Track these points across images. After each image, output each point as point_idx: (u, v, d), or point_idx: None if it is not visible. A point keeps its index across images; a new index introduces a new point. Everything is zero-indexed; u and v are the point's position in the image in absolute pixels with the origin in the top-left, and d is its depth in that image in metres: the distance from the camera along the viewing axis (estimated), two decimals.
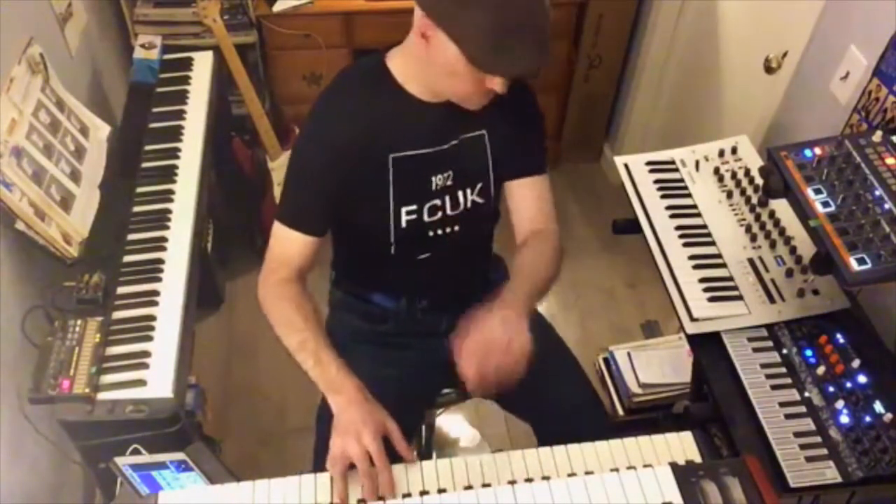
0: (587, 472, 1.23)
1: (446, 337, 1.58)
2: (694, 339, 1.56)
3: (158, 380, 1.61)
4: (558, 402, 1.32)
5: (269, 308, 1.38)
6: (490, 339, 1.21)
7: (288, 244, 1.40)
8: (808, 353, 1.48)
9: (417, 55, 1.28)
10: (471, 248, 1.55)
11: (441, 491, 1.21)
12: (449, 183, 1.42)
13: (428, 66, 1.27)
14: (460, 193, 1.44)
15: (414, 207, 1.41)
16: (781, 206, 1.66)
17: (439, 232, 1.46)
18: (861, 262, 1.29)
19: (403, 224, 1.41)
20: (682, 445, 1.28)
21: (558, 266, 1.45)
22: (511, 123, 1.42)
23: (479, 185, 1.45)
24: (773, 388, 1.43)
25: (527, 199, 1.49)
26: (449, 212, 1.44)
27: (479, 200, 1.46)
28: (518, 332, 1.22)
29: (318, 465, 1.42)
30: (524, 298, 1.31)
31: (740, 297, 1.57)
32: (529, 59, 1.18)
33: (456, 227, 1.47)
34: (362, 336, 1.52)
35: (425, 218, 1.43)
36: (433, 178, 1.40)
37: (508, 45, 1.15)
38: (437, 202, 1.42)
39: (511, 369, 1.20)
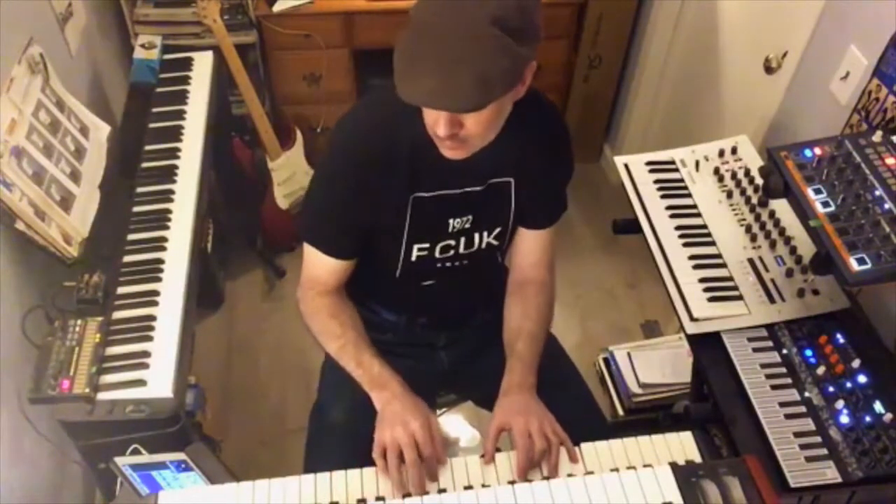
0: (587, 473, 1.23)
1: (444, 350, 1.59)
2: (694, 339, 1.56)
3: (158, 380, 1.61)
4: (558, 412, 1.32)
5: (309, 321, 1.44)
6: (530, 439, 1.26)
7: (319, 266, 1.42)
8: (808, 353, 1.48)
9: None
10: (478, 276, 1.53)
11: (441, 491, 1.21)
12: (467, 226, 1.40)
13: None
14: (476, 235, 1.42)
15: (426, 245, 1.40)
16: (781, 206, 1.66)
17: (447, 265, 1.44)
18: (861, 262, 1.29)
19: (413, 258, 1.41)
20: (682, 445, 1.28)
21: (551, 320, 1.52)
22: (540, 174, 1.39)
23: (497, 230, 1.43)
24: (773, 388, 1.43)
25: (533, 248, 1.48)
26: (462, 251, 1.43)
27: (495, 242, 1.45)
28: (541, 412, 1.31)
29: (310, 465, 1.43)
30: (533, 378, 1.37)
31: (740, 297, 1.57)
32: (429, 94, 1.09)
33: (465, 262, 1.45)
34: None
35: (436, 255, 1.42)
36: (451, 221, 1.38)
37: (411, 70, 1.08)
38: (452, 242, 1.41)
39: (552, 436, 1.28)
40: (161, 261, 1.84)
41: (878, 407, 1.38)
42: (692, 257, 1.66)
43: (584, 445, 1.29)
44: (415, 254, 1.40)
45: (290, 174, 2.74)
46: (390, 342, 1.57)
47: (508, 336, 1.45)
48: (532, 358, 1.39)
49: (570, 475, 1.23)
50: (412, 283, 1.47)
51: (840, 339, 1.49)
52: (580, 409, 1.52)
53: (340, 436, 1.44)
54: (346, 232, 1.39)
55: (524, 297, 1.48)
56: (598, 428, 1.53)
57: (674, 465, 1.20)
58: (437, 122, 1.15)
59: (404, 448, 1.23)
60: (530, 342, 1.41)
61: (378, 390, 1.33)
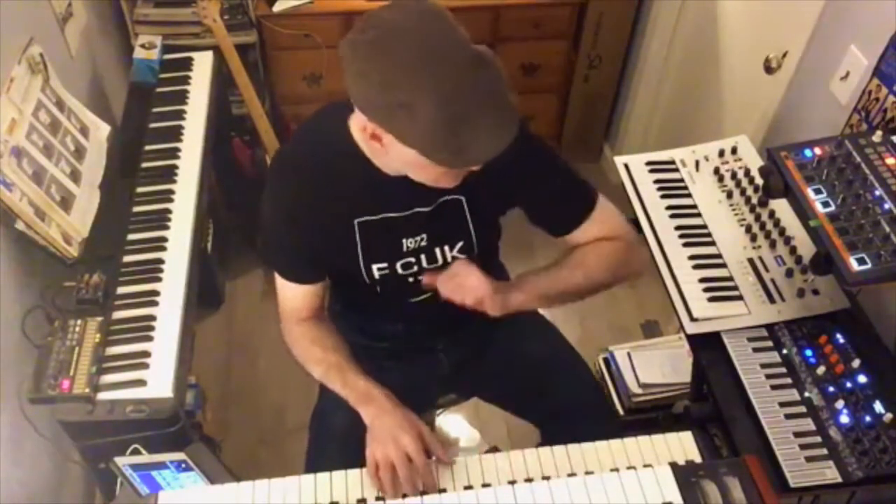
0: (587, 472, 1.24)
1: (444, 352, 1.59)
2: (694, 339, 1.55)
3: (158, 380, 1.61)
4: (565, 402, 1.32)
5: (293, 350, 1.44)
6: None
7: (290, 294, 1.42)
8: (808, 353, 1.48)
9: (373, 150, 1.20)
10: None
11: (441, 491, 1.21)
12: (423, 244, 1.36)
13: (388, 158, 1.18)
14: (437, 250, 1.38)
15: (385, 265, 1.37)
16: (781, 206, 1.66)
17: (420, 278, 1.41)
18: (861, 262, 1.29)
19: (377, 276, 1.39)
20: (682, 445, 1.29)
21: (616, 264, 1.39)
22: (500, 186, 1.29)
23: (459, 244, 1.38)
24: (773, 388, 1.43)
25: (585, 242, 1.42)
26: (425, 265, 1.39)
27: (462, 256, 1.39)
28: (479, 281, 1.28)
29: (311, 468, 1.42)
30: (525, 286, 1.34)
31: (740, 297, 1.57)
32: (493, 144, 1.07)
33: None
34: (359, 348, 1.51)
35: (399, 272, 1.39)
36: (404, 241, 1.35)
37: (465, 138, 1.04)
38: (411, 259, 1.38)
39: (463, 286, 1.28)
40: (161, 261, 1.84)
41: (878, 407, 1.38)
42: (692, 257, 1.66)
43: (584, 445, 1.29)
44: (376, 273, 1.38)
45: None
46: (390, 348, 1.57)
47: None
48: (547, 273, 1.36)
49: (570, 475, 1.23)
50: (398, 300, 1.46)
51: (840, 339, 1.49)
52: (587, 399, 1.51)
53: (342, 442, 1.43)
54: (300, 258, 1.38)
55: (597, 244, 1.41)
56: (602, 413, 1.54)
57: (674, 465, 1.20)
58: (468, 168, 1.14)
59: (397, 464, 1.22)
60: (562, 266, 1.36)
61: (364, 405, 1.32)
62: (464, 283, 1.27)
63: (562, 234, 1.41)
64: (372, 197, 1.30)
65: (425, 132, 1.04)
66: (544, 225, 1.41)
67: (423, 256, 1.38)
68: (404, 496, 1.20)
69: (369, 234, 1.33)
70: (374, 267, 1.37)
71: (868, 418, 1.36)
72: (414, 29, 1.04)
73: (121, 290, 1.77)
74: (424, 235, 1.36)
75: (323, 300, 1.45)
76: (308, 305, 1.43)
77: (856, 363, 1.44)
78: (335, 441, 1.46)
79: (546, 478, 1.23)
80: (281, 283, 1.42)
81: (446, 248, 1.38)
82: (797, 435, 1.36)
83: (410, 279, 1.41)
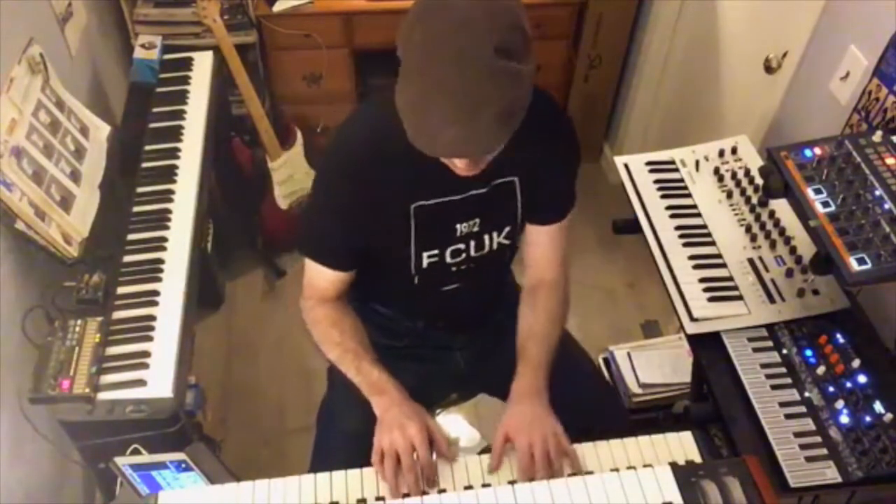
0: (587, 472, 1.23)
1: (460, 351, 1.59)
2: (694, 339, 1.55)
3: (158, 380, 1.61)
4: (577, 398, 1.32)
5: (311, 329, 1.43)
6: (528, 447, 1.25)
7: (319, 276, 1.41)
8: (808, 353, 1.48)
9: None
10: (492, 276, 1.53)
11: (441, 491, 1.21)
12: (475, 229, 1.38)
13: None
14: (486, 237, 1.40)
15: (435, 252, 1.38)
16: (781, 206, 1.66)
17: (463, 268, 1.43)
18: (861, 262, 1.29)
19: (425, 265, 1.39)
20: (682, 445, 1.28)
21: (565, 318, 1.48)
22: (545, 168, 1.36)
23: (507, 229, 1.41)
24: (773, 388, 1.43)
25: (544, 245, 1.46)
26: (473, 253, 1.41)
27: (506, 242, 1.43)
28: (547, 425, 1.27)
29: (316, 465, 1.43)
30: (542, 381, 1.35)
31: (740, 297, 1.57)
32: (452, 145, 1.07)
33: (480, 263, 1.44)
34: (374, 346, 1.52)
35: (447, 259, 1.40)
36: (458, 226, 1.36)
37: (426, 124, 1.06)
38: (461, 246, 1.39)
39: (556, 457, 1.25)
40: (161, 261, 1.84)
41: (878, 407, 1.38)
42: (692, 257, 1.66)
43: (584, 445, 1.29)
44: (425, 261, 1.38)
45: (289, 174, 2.74)
46: (407, 346, 1.57)
47: (519, 339, 1.43)
48: (541, 359, 1.38)
49: (570, 475, 1.23)
50: (432, 290, 1.46)
51: (840, 339, 1.49)
52: (597, 392, 1.51)
53: (350, 441, 1.43)
54: (345, 245, 1.38)
55: (535, 300, 1.46)
56: (618, 409, 1.56)
57: (674, 465, 1.20)
58: (454, 159, 1.15)
59: (401, 453, 1.23)
60: (540, 343, 1.39)
61: (377, 396, 1.33)
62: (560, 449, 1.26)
63: (532, 222, 1.44)
64: (429, 180, 1.28)
65: (404, 98, 1.08)
66: (537, 207, 1.43)
67: (472, 243, 1.39)
68: (406, 495, 1.20)
69: (424, 220, 1.33)
70: (425, 255, 1.38)
71: (868, 418, 1.36)
72: (461, 11, 1.03)
73: (121, 290, 1.77)
74: (478, 220, 1.37)
75: (349, 286, 1.44)
76: (335, 289, 1.42)
77: (856, 363, 1.44)
78: (343, 442, 1.45)
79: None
80: (310, 264, 1.41)
81: (494, 234, 1.40)
82: (797, 435, 1.36)
83: (454, 269, 1.42)
